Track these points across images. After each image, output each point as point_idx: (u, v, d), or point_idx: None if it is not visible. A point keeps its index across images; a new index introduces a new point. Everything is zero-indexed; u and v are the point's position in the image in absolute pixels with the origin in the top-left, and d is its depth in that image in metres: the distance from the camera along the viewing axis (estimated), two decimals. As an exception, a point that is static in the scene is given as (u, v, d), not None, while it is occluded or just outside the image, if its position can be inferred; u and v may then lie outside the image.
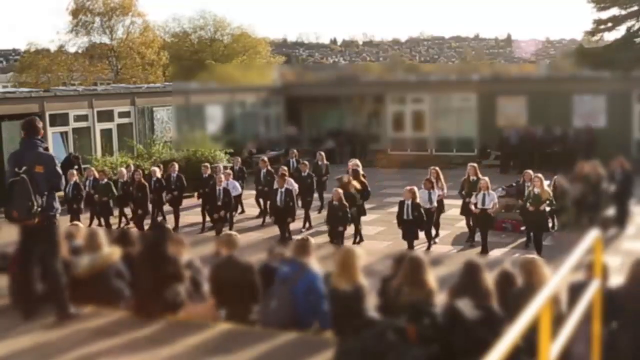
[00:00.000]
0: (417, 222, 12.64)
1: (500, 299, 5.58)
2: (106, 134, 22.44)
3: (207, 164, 16.95)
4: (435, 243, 13.74)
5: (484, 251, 12.92)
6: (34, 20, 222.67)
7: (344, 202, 12.98)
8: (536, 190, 12.87)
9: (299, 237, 8.25)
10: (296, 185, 15.37)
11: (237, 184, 16.42)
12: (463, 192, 13.97)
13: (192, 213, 16.75)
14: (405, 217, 12.62)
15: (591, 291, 3.36)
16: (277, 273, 6.27)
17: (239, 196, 16.63)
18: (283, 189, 14.15)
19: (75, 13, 42.16)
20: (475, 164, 14.62)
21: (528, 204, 12.87)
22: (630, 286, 5.95)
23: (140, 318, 6.02)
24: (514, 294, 5.69)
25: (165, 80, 40.06)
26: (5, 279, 6.57)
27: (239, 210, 17.03)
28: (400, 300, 5.66)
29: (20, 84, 39.18)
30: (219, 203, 14.84)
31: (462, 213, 14.06)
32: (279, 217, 14.21)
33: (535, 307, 2.40)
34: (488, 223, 13.27)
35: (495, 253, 13.08)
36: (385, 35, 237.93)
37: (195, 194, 17.25)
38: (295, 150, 19.50)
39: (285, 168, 16.02)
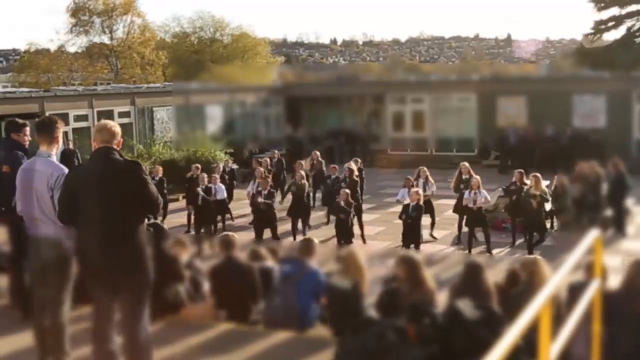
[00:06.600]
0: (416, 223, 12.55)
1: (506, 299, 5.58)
2: (106, 134, 22.39)
3: (198, 165, 16.15)
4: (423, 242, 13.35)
5: (469, 250, 12.85)
6: (33, 20, 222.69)
7: (351, 201, 12.95)
8: (531, 188, 12.90)
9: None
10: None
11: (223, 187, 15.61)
12: (452, 187, 14.37)
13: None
14: (407, 218, 12.53)
15: (591, 291, 3.36)
16: (279, 272, 6.32)
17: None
18: (266, 192, 13.60)
19: (74, 13, 42.15)
20: (467, 164, 14.73)
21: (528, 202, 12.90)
22: (627, 288, 5.92)
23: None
24: (516, 295, 5.68)
25: (165, 80, 40.05)
26: (5, 279, 6.56)
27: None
28: (400, 300, 5.67)
29: (20, 84, 39.15)
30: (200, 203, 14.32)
31: (454, 211, 14.06)
32: (261, 220, 13.57)
33: (535, 307, 2.40)
34: (479, 221, 13.24)
35: (494, 253, 13.08)
36: (385, 35, 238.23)
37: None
38: (276, 151, 19.34)
39: (262, 170, 15.52)
